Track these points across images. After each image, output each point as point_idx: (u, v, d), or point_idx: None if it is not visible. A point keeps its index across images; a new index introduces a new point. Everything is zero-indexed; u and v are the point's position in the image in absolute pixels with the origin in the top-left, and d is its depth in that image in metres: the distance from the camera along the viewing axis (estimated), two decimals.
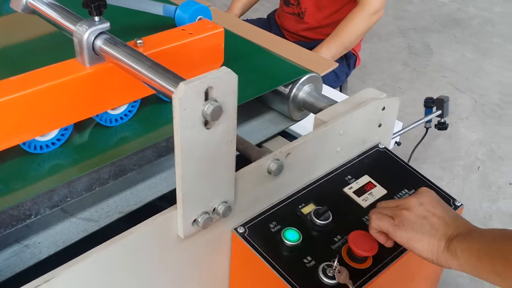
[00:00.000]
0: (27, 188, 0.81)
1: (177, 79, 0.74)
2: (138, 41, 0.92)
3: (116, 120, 0.94)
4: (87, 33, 0.83)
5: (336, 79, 2.11)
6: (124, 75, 0.82)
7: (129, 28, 1.16)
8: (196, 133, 0.72)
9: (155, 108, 0.99)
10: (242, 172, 0.85)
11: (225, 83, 0.72)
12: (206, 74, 0.70)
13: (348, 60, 2.13)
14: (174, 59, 0.95)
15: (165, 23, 1.13)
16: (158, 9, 1.19)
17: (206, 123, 0.73)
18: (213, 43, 1.01)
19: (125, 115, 0.95)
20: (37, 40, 1.14)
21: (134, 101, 0.95)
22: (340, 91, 2.23)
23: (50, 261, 0.80)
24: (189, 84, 0.68)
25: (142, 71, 0.78)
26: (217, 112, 0.72)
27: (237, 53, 1.17)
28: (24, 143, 0.84)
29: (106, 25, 0.85)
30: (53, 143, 0.87)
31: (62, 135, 0.88)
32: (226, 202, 0.83)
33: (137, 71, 0.78)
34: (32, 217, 0.81)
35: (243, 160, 0.92)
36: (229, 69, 0.72)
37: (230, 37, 1.17)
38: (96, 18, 0.84)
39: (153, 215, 0.77)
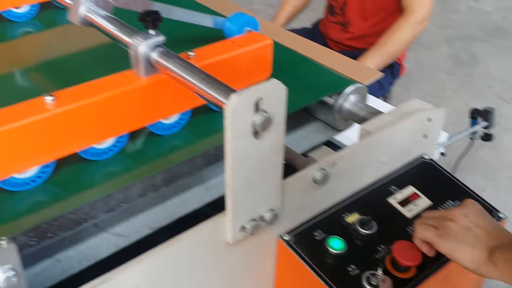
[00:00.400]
0: (85, 193, 0.86)
1: (228, 90, 0.77)
2: (190, 54, 0.96)
3: (168, 129, 0.98)
4: (143, 46, 0.87)
5: (380, 89, 2.11)
6: (177, 86, 0.85)
7: (180, 40, 1.21)
8: (246, 143, 0.75)
9: (205, 118, 1.02)
10: (289, 181, 0.88)
11: (274, 94, 0.75)
12: (257, 86, 0.73)
13: (392, 70, 2.13)
14: (224, 70, 0.98)
15: (214, 35, 1.16)
16: (208, 22, 1.23)
17: (255, 133, 0.76)
18: (262, 55, 1.04)
19: (178, 123, 0.99)
20: (93, 51, 1.19)
21: (186, 111, 0.99)
22: (384, 100, 2.23)
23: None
24: (240, 96, 0.71)
25: (195, 83, 0.81)
26: (267, 123, 0.75)
27: (283, 63, 1.19)
28: (82, 151, 0.89)
29: (161, 38, 0.89)
30: (110, 150, 0.92)
31: (119, 142, 0.92)
32: (273, 210, 0.85)
33: (190, 82, 0.82)
34: (89, 221, 0.85)
35: (289, 169, 0.94)
36: (278, 81, 0.75)
37: (276, 47, 1.20)
38: (152, 32, 0.89)
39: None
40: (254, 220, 0.83)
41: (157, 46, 0.88)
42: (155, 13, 0.87)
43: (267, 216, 0.85)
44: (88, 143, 0.89)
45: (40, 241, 0.80)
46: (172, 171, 0.93)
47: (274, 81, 0.75)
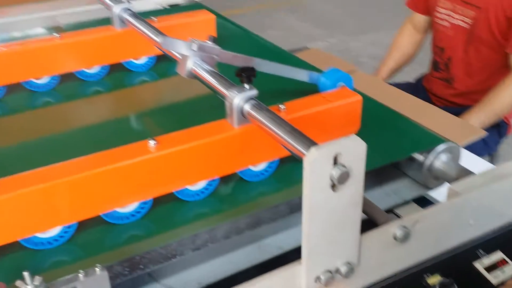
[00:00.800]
0: (176, 230, 0.93)
1: (310, 143, 0.81)
2: (281, 107, 1.02)
3: (256, 176, 1.04)
4: (237, 98, 0.95)
5: (485, 147, 2.04)
6: (266, 136, 0.91)
7: (276, 92, 1.28)
8: (323, 195, 0.78)
9: (292, 167, 1.07)
10: (367, 235, 0.89)
11: (353, 150, 0.78)
12: (336, 141, 0.77)
13: (499, 128, 2.05)
14: (313, 123, 1.03)
15: (306, 89, 1.22)
16: (304, 76, 1.29)
17: (333, 186, 0.79)
18: (350, 110, 1.08)
19: (266, 171, 1.05)
20: (197, 101, 1.30)
21: (273, 160, 1.04)
22: (491, 159, 2.14)
23: None
24: (319, 149, 0.75)
25: (280, 134, 0.87)
26: (344, 177, 0.78)
27: (375, 118, 1.22)
28: (177, 191, 0.97)
29: (254, 92, 0.96)
30: (202, 192, 0.99)
31: (210, 185, 1.00)
32: (349, 264, 0.86)
33: (276, 133, 0.88)
34: (177, 257, 0.92)
35: (370, 224, 0.96)
36: (358, 138, 0.78)
37: (370, 102, 1.23)
38: (246, 86, 0.96)
39: None
40: (329, 272, 0.85)
41: (250, 99, 0.96)
42: (250, 69, 0.95)
43: (343, 269, 0.86)
44: (183, 184, 0.97)
45: (132, 272, 0.88)
46: (257, 216, 0.98)
47: (354, 137, 0.78)
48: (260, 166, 1.04)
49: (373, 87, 1.98)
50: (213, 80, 1.04)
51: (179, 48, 1.11)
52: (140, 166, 0.90)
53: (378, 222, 0.98)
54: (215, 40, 1.14)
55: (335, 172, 0.77)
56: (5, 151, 1.16)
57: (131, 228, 0.94)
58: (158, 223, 0.95)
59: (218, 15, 1.89)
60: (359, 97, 1.08)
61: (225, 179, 1.03)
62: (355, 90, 1.18)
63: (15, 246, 0.87)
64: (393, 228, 0.91)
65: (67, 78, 1.43)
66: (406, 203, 1.15)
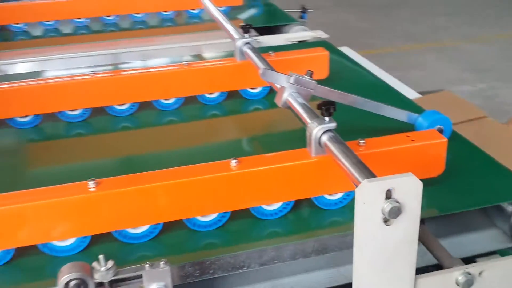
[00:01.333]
0: (248, 244, 1.02)
1: (366, 176, 0.85)
2: (361, 141, 1.07)
3: (333, 204, 1.09)
4: (316, 129, 1.02)
5: None
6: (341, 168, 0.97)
7: (356, 127, 1.32)
8: (374, 227, 0.82)
9: None
10: (427, 276, 0.89)
11: (407, 187, 0.81)
12: (391, 177, 0.80)
13: None
14: (391, 160, 1.06)
15: (390, 127, 1.24)
16: (402, 116, 1.31)
17: (385, 220, 0.82)
18: (433, 152, 1.08)
19: (340, 201, 1.09)
20: (296, 130, 1.38)
21: (350, 192, 1.09)
22: None
23: None
24: (371, 182, 0.79)
25: (346, 165, 0.92)
26: (395, 212, 0.80)
27: (470, 162, 1.20)
28: (254, 209, 1.06)
29: (333, 124, 1.02)
30: (275, 213, 1.07)
31: (284, 208, 1.07)
32: None
33: (343, 164, 0.93)
34: (244, 268, 1.01)
35: (438, 268, 0.95)
36: (414, 176, 0.81)
37: (468, 146, 1.21)
38: (326, 118, 1.03)
39: None
40: None
41: (328, 131, 1.02)
42: (330, 103, 1.01)
43: None
44: (258, 203, 1.05)
45: (202, 275, 0.98)
46: (324, 243, 1.03)
47: (410, 175, 0.81)
48: (336, 196, 1.09)
49: (493, 135, 1.90)
50: (301, 111, 1.12)
51: (277, 80, 1.21)
52: (220, 181, 1.01)
53: (443, 265, 0.96)
54: (311, 75, 1.22)
55: (386, 206, 0.80)
56: (136, 157, 1.37)
57: (209, 236, 1.05)
58: (233, 235, 1.05)
59: (337, 53, 1.97)
60: (444, 140, 1.08)
61: (299, 204, 1.09)
62: (460, 136, 1.17)
63: (108, 237, 1.02)
64: (457, 274, 0.90)
65: (190, 100, 1.61)
66: (491, 253, 1.11)
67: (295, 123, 1.43)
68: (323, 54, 1.62)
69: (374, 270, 0.84)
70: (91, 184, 0.96)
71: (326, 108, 1.01)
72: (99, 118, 1.55)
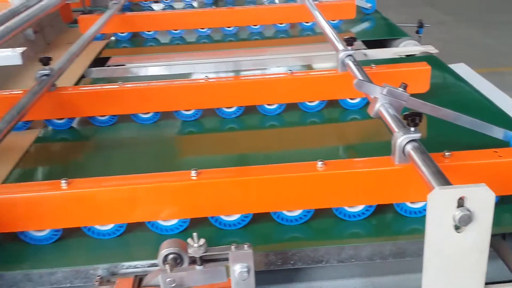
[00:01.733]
0: (327, 240, 1.09)
1: (440, 183, 0.89)
2: (446, 153, 1.10)
3: (414, 212, 1.13)
4: (401, 138, 1.07)
5: None
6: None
7: (448, 141, 1.33)
8: (445, 234, 0.86)
9: None
10: (497, 286, 0.91)
11: (480, 197, 0.84)
12: (463, 186, 0.84)
13: None
14: (476, 174, 1.08)
15: (483, 143, 1.25)
16: (498, 133, 1.31)
17: (456, 228, 0.85)
18: None
19: (424, 209, 1.13)
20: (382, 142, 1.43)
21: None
22: None
23: None
24: (443, 190, 0.84)
25: (425, 173, 0.96)
26: (465, 220, 0.84)
27: None
28: (337, 209, 1.14)
29: (418, 135, 1.07)
30: (358, 215, 1.14)
31: (367, 210, 1.13)
32: None
33: (422, 173, 0.97)
34: (323, 263, 1.08)
35: None
36: (487, 187, 0.84)
37: None
38: (412, 129, 1.07)
39: None
40: None
41: (412, 140, 1.07)
42: (416, 115, 1.06)
43: None
44: (342, 204, 1.13)
45: (283, 264, 1.08)
46: (402, 247, 1.07)
47: (483, 186, 0.84)
48: (419, 204, 1.13)
49: None
50: (391, 121, 1.18)
51: (371, 91, 1.28)
52: (306, 180, 1.10)
53: None
54: (405, 88, 1.27)
55: (457, 213, 0.84)
56: (239, 155, 1.51)
57: (293, 230, 1.14)
58: (315, 231, 1.13)
59: (444, 68, 1.97)
60: None
61: (381, 209, 1.15)
62: None
63: (205, 222, 1.15)
64: None
65: (292, 107, 1.71)
66: None
67: (388, 134, 1.48)
68: (425, 68, 1.65)
69: (443, 275, 0.88)
70: (193, 173, 1.10)
71: (412, 118, 1.06)
72: (209, 118, 1.70)
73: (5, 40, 1.67)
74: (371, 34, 2.59)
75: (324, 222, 1.15)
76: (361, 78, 1.48)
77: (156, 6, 3.32)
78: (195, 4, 3.37)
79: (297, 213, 1.14)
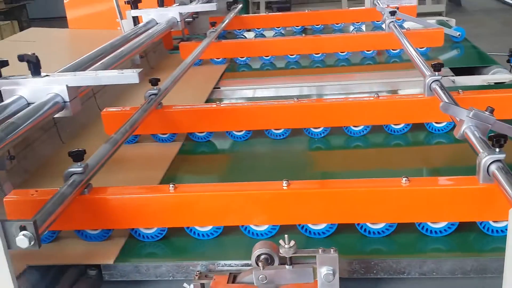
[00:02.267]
0: (409, 254, 1.15)
1: None
2: None
3: (499, 231, 1.17)
4: (485, 159, 1.12)
5: None
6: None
7: None
8: None
9: None
10: None
11: None
12: None
13: None
14: None
15: None
16: None
17: None
18: None
19: (505, 230, 1.16)
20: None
21: None
22: None
23: None
24: None
25: (509, 192, 1.00)
26: None
27: None
28: (420, 225, 1.19)
29: (502, 155, 1.11)
30: (440, 231, 1.19)
31: (449, 227, 1.18)
32: None
33: (507, 192, 1.01)
34: (405, 274, 1.14)
35: None
36: None
37: None
38: (497, 149, 1.12)
39: None
40: None
41: (497, 161, 1.11)
42: (501, 136, 1.11)
43: None
44: (425, 219, 1.18)
45: (366, 273, 1.14)
46: (484, 264, 1.11)
47: None
48: (502, 223, 1.16)
49: None
50: (476, 142, 1.22)
51: (457, 114, 1.33)
52: (390, 194, 1.17)
53: None
54: (492, 111, 1.30)
55: None
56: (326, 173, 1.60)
57: (378, 242, 1.20)
58: (398, 244, 1.19)
59: None
60: None
61: (465, 227, 1.19)
62: None
63: (293, 229, 1.24)
64: None
65: (377, 129, 1.78)
66: None
67: (472, 159, 1.51)
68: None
69: None
70: (284, 183, 1.20)
71: (497, 139, 1.11)
72: (296, 138, 1.81)
73: (118, 64, 1.89)
74: (459, 62, 2.60)
75: (407, 237, 1.20)
76: (447, 101, 1.53)
77: (248, 34, 3.51)
78: (284, 32, 3.53)
79: (380, 226, 1.21)
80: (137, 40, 2.24)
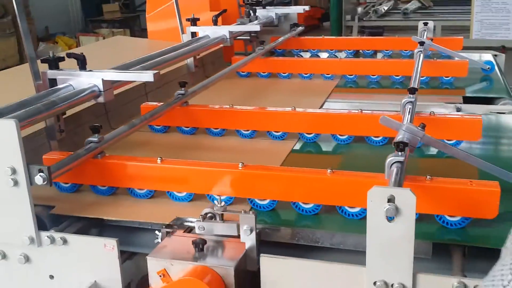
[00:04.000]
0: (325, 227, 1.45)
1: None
2: (428, 176, 1.39)
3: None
4: (389, 159, 1.40)
5: None
6: None
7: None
8: (379, 221, 1.18)
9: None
10: (427, 274, 1.18)
11: (404, 197, 1.15)
12: (392, 187, 1.17)
13: None
14: (449, 197, 1.35)
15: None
16: (508, 177, 1.53)
17: (389, 219, 1.17)
18: (484, 198, 1.32)
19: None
20: None
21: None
22: None
23: None
24: (377, 188, 1.17)
25: (391, 183, 1.28)
26: (391, 212, 1.15)
27: None
28: (341, 210, 1.49)
29: (399, 158, 1.38)
30: (359, 214, 1.48)
31: (363, 212, 1.47)
32: (403, 285, 1.19)
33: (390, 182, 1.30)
34: (319, 243, 1.44)
35: None
36: (409, 190, 1.15)
37: None
38: (399, 153, 1.40)
39: None
40: (385, 283, 1.20)
41: (397, 162, 1.38)
42: (400, 143, 1.38)
43: (395, 286, 1.19)
44: (343, 204, 1.48)
45: (290, 239, 1.46)
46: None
47: (407, 189, 1.15)
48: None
49: None
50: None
51: (393, 126, 1.60)
52: (317, 181, 1.48)
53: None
54: (424, 127, 1.57)
55: (385, 208, 1.16)
56: None
57: (308, 218, 1.52)
58: (319, 221, 1.50)
59: None
60: (497, 190, 1.32)
61: None
62: None
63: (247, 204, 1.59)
64: (454, 281, 1.16)
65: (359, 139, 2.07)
66: None
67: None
68: (477, 119, 1.88)
69: (382, 255, 1.19)
70: (240, 165, 1.56)
71: (397, 145, 1.39)
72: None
73: (167, 65, 2.35)
74: (475, 92, 2.78)
75: (330, 217, 1.51)
76: (407, 122, 1.79)
77: (305, 54, 3.86)
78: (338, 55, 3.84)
79: (310, 205, 1.52)
80: (190, 47, 2.70)
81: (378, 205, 1.17)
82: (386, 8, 9.23)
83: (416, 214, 1.23)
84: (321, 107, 2.60)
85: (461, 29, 7.33)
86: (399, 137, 1.58)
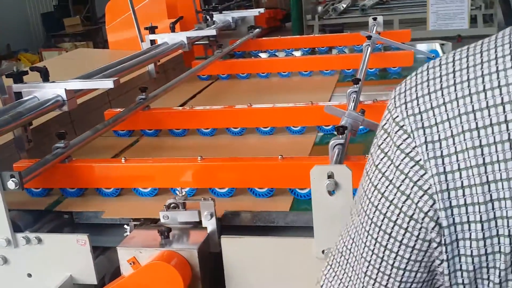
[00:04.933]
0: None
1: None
2: (366, 156, 1.55)
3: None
4: (332, 142, 1.55)
5: None
6: None
7: None
8: (322, 197, 1.33)
9: None
10: None
11: (341, 172, 1.30)
12: (332, 165, 1.32)
13: None
14: None
15: None
16: None
17: (329, 193, 1.32)
18: None
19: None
20: None
21: None
22: None
23: None
24: (319, 166, 1.32)
25: (331, 161, 1.44)
26: (331, 187, 1.30)
27: None
28: (293, 191, 1.63)
29: (340, 141, 1.54)
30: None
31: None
32: None
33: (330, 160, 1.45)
34: (274, 223, 1.59)
35: None
36: (346, 166, 1.30)
37: None
38: (340, 136, 1.55)
39: None
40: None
41: (338, 144, 1.54)
42: (340, 127, 1.54)
43: None
44: (294, 186, 1.63)
45: (250, 222, 1.60)
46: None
47: (343, 165, 1.30)
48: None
49: None
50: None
51: (336, 113, 1.76)
52: (268, 167, 1.63)
53: None
54: (363, 113, 1.73)
55: (325, 183, 1.31)
56: None
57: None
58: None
59: None
60: None
61: None
62: None
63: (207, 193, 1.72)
64: None
65: (311, 130, 2.22)
66: None
67: None
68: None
69: (326, 224, 1.34)
70: (199, 158, 1.69)
71: (337, 128, 1.54)
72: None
73: (128, 72, 2.46)
74: None
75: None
76: (350, 109, 1.95)
77: (263, 55, 4.02)
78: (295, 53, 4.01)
79: (264, 190, 1.66)
80: (151, 53, 2.82)
81: (319, 182, 1.32)
82: (344, 5, 9.45)
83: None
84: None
85: (419, 21, 7.55)
86: (342, 123, 1.74)
